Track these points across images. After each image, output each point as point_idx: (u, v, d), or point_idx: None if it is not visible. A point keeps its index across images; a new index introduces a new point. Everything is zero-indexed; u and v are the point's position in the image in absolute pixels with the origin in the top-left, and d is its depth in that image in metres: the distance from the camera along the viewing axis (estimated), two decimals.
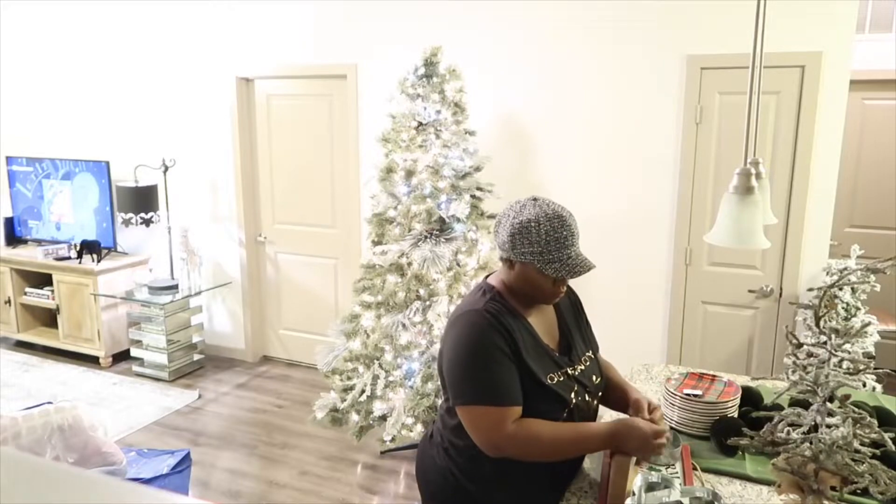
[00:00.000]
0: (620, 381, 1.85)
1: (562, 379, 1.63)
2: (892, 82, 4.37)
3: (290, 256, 4.81)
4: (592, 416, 1.73)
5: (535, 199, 1.61)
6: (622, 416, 1.78)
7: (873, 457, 1.47)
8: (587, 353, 1.75)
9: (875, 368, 1.60)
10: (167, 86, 4.85)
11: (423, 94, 3.28)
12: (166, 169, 4.78)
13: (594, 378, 1.73)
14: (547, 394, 1.59)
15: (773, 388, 2.27)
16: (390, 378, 3.33)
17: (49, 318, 5.22)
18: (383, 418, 3.36)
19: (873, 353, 3.17)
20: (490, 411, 1.55)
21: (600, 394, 1.78)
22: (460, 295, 3.35)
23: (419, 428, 3.32)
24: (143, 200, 4.74)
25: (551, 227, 1.55)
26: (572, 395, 1.63)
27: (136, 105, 4.99)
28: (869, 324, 1.72)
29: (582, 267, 1.56)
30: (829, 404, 1.52)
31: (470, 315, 1.62)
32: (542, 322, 1.71)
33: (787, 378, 1.61)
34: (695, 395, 2.00)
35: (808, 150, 3.29)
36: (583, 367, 1.71)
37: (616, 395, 1.82)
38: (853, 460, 1.44)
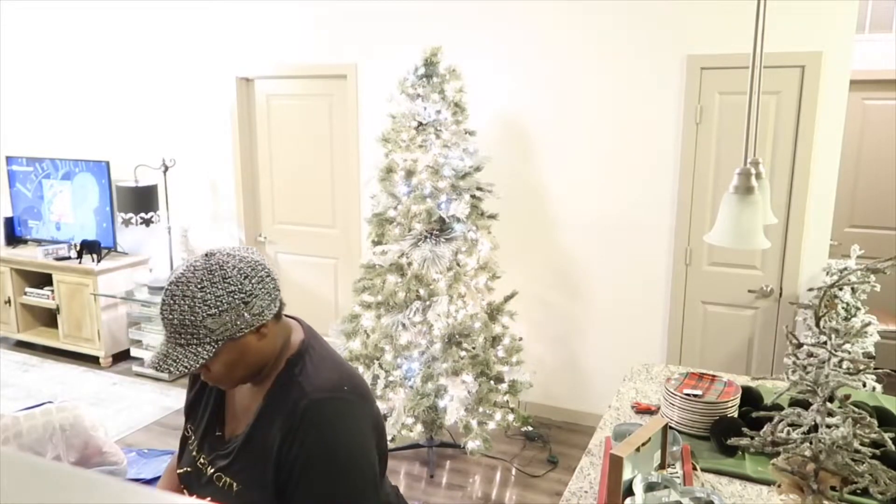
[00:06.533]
0: None
1: None
2: (892, 82, 4.37)
3: (290, 256, 4.81)
4: None
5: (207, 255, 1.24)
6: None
7: (873, 457, 1.47)
8: None
9: (875, 368, 1.60)
10: (167, 86, 4.85)
11: (423, 94, 3.28)
12: (166, 169, 4.78)
13: None
14: None
15: (773, 388, 2.27)
16: (390, 378, 3.33)
17: (49, 318, 5.22)
18: (383, 418, 3.36)
19: (873, 353, 3.17)
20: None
21: None
22: (461, 295, 3.36)
23: (419, 428, 3.33)
24: (143, 200, 4.74)
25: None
26: None
27: (136, 105, 4.99)
28: (869, 324, 1.72)
29: None
30: (829, 404, 1.52)
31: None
32: None
33: (787, 378, 1.61)
34: (695, 395, 2.00)
35: (808, 150, 3.29)
36: None
37: None
38: (853, 460, 1.44)
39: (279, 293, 1.24)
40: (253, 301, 1.17)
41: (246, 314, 1.16)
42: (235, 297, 1.15)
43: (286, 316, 1.31)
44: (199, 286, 1.14)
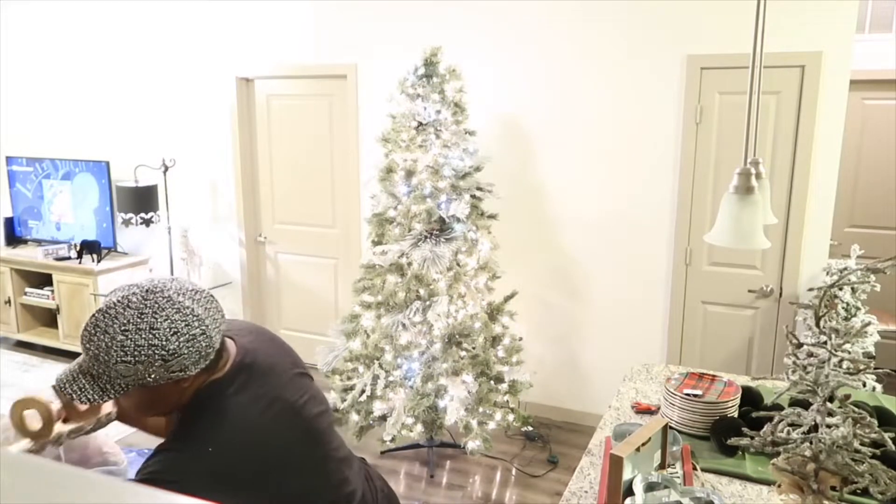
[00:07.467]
0: None
1: None
2: (892, 82, 4.37)
3: (290, 256, 4.81)
4: None
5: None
6: None
7: (873, 457, 1.47)
8: None
9: (875, 368, 1.60)
10: (167, 86, 4.85)
11: (423, 94, 3.28)
12: (166, 169, 4.78)
13: None
14: None
15: (773, 388, 2.27)
16: (390, 378, 3.33)
17: (49, 318, 5.22)
18: (383, 418, 3.36)
19: (873, 353, 3.17)
20: None
21: None
22: (460, 295, 3.36)
23: (419, 428, 3.33)
24: (143, 200, 4.74)
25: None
26: None
27: (136, 105, 4.99)
28: (869, 324, 1.72)
29: None
30: (829, 404, 1.52)
31: None
32: None
33: (787, 378, 1.61)
34: (695, 395, 2.00)
35: (808, 150, 3.30)
36: None
37: None
38: (853, 460, 1.44)
39: (213, 350, 1.14)
40: (174, 360, 1.08)
41: (163, 370, 1.08)
42: (156, 352, 1.06)
43: (228, 337, 1.24)
44: (122, 328, 1.06)
